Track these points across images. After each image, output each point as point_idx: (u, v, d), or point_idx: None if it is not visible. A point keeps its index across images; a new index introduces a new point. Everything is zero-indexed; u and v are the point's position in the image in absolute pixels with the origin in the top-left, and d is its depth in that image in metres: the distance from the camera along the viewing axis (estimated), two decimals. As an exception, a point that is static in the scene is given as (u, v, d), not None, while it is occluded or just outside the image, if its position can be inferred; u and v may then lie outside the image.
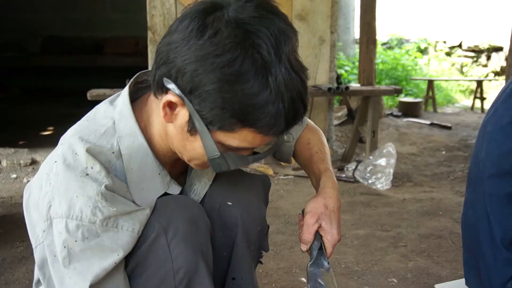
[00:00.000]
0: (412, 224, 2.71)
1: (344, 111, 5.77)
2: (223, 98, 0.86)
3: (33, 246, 1.03)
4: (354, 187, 3.47)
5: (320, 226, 1.15)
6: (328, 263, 1.17)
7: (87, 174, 0.94)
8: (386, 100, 7.79)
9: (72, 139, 0.99)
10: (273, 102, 0.86)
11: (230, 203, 1.17)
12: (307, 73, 0.93)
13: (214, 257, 1.14)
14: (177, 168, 1.12)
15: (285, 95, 0.87)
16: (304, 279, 2.05)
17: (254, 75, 0.85)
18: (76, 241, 0.91)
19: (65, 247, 0.91)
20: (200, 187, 1.17)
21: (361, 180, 3.54)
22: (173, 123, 0.95)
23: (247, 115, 0.87)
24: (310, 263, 1.17)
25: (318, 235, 1.16)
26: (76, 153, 0.96)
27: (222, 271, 1.19)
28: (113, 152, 0.99)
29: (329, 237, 1.15)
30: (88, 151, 0.96)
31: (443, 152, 4.76)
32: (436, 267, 2.16)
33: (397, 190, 3.44)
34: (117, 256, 0.92)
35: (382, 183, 3.43)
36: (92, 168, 0.94)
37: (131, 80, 1.07)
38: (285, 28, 0.89)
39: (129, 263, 0.98)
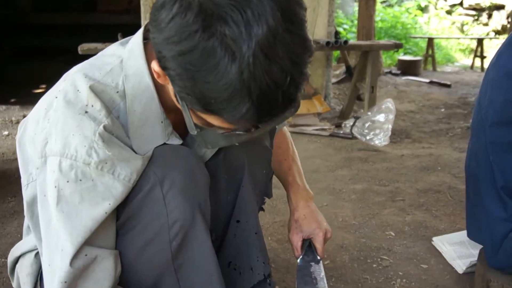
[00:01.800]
0: (410, 179, 2.67)
1: (342, 69, 5.67)
2: (184, 86, 0.77)
3: (24, 184, 0.96)
4: (351, 143, 3.42)
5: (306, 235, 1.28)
6: (318, 257, 1.27)
7: (86, 112, 0.87)
8: (385, 59, 7.68)
9: (76, 76, 0.92)
10: (239, 97, 0.73)
11: (236, 144, 1.12)
12: (306, 48, 0.76)
13: (219, 200, 1.10)
14: (181, 126, 1.06)
15: (254, 89, 0.73)
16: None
17: (215, 67, 0.72)
18: (68, 181, 0.85)
19: (55, 187, 0.85)
20: None
21: (359, 137, 3.49)
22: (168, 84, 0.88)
23: (211, 106, 0.77)
24: (300, 257, 1.28)
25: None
26: (78, 90, 0.90)
27: (227, 214, 1.15)
28: (117, 92, 0.92)
29: (316, 238, 1.27)
30: (91, 88, 0.89)
31: (442, 110, 4.70)
32: (434, 220, 2.13)
33: (395, 146, 3.39)
34: (108, 205, 0.87)
35: (380, 139, 3.38)
36: (92, 106, 0.88)
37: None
38: (265, 9, 0.71)
39: (121, 215, 0.92)
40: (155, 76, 0.85)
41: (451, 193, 2.45)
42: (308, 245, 1.29)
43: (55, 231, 0.87)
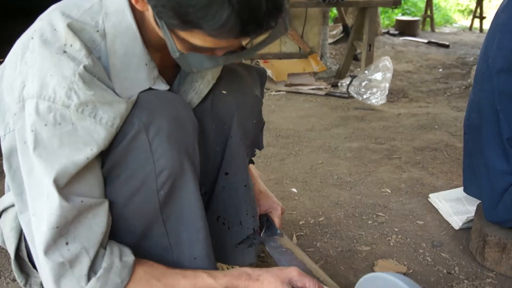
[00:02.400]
0: (407, 137, 2.63)
1: (339, 29, 5.55)
2: None
3: (1, 135, 0.90)
4: (348, 102, 3.36)
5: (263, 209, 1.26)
6: (279, 230, 1.26)
7: (64, 52, 0.81)
8: (383, 19, 7.54)
9: (52, 14, 0.86)
10: (218, 1, 0.68)
11: (224, 92, 1.05)
12: None
13: (207, 152, 1.04)
14: (168, 71, 0.99)
15: None
16: (294, 189, 1.99)
17: None
18: (46, 125, 0.79)
19: (32, 131, 0.79)
20: (202, 85, 1.04)
21: (355, 96, 3.42)
22: (148, 11, 0.81)
23: (188, 16, 0.71)
24: (262, 233, 1.26)
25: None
26: (55, 29, 0.83)
27: (215, 167, 1.10)
28: (97, 31, 0.85)
29: (275, 212, 1.27)
30: (69, 26, 0.83)
31: (440, 70, 4.63)
32: (430, 177, 2.10)
33: (392, 105, 3.34)
34: (90, 151, 0.81)
35: (377, 98, 3.32)
36: (71, 45, 0.81)
37: None
38: None
39: (105, 163, 0.86)
40: (133, 1, 0.80)
41: (448, 151, 2.41)
42: (266, 220, 1.29)
43: (37, 178, 0.82)
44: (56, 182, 0.79)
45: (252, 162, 1.27)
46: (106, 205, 0.86)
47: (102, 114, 0.81)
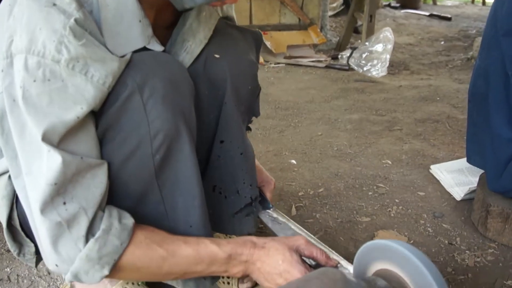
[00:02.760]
0: (408, 109, 2.59)
1: (339, 1, 5.46)
2: None
3: None
4: (348, 74, 3.31)
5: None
6: (271, 205, 1.22)
7: (54, 4, 0.75)
8: (384, -8, 7.41)
9: None
10: None
11: (217, 56, 1.01)
12: None
13: (201, 119, 1.00)
14: (161, 32, 0.94)
15: None
16: (293, 161, 1.96)
17: None
18: (34, 81, 0.74)
19: (21, 87, 0.75)
20: (194, 45, 0.99)
21: (355, 68, 3.37)
22: None
23: None
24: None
25: None
26: None
27: (210, 136, 1.05)
28: None
29: (268, 186, 1.24)
30: None
31: (442, 42, 4.57)
32: (432, 149, 2.07)
33: (393, 77, 3.29)
34: (80, 109, 0.76)
35: (377, 70, 3.27)
36: None
37: None
38: None
39: (99, 125, 0.82)
40: None
41: (450, 122, 2.38)
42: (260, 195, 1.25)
43: (30, 136, 0.78)
44: (46, 140, 0.75)
45: (249, 129, 1.22)
46: (105, 166, 0.82)
47: (93, 72, 0.77)
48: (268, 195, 1.23)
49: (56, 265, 0.82)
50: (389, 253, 0.76)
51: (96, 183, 0.81)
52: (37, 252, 1.05)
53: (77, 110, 0.76)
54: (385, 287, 0.73)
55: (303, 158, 1.98)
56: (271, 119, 2.42)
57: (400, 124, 2.37)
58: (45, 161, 0.76)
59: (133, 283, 1.10)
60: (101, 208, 0.82)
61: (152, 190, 0.88)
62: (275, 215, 1.19)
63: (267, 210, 1.21)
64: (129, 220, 0.85)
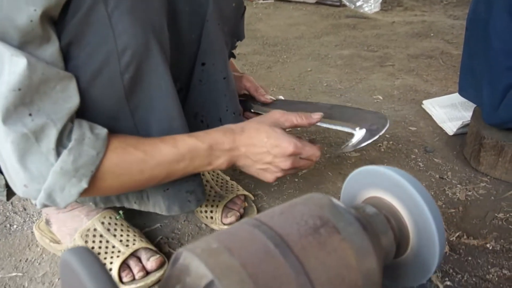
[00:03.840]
0: (401, 45, 2.50)
1: None
2: None
3: None
4: (339, 10, 3.18)
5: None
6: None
7: None
8: None
9: None
10: None
11: None
12: None
13: (181, 40, 0.91)
14: None
15: None
16: (281, 97, 1.88)
17: None
18: None
19: None
20: None
21: (347, 3, 3.24)
22: None
23: None
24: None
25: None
26: None
27: (191, 58, 0.96)
28: None
29: (248, 85, 1.17)
30: None
31: (437, -21, 4.40)
32: (424, 84, 2.00)
33: (386, 14, 3.17)
34: (33, 11, 0.67)
35: (370, 6, 3.14)
36: None
37: None
38: None
39: (62, 39, 0.73)
40: None
41: (444, 58, 2.30)
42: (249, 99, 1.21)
43: None
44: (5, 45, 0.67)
45: (233, 56, 1.14)
46: (74, 81, 0.74)
47: None
48: (254, 94, 1.18)
49: (25, 186, 0.75)
50: (379, 180, 0.71)
51: (65, 97, 0.72)
52: (8, 184, 0.98)
53: (29, 11, 0.66)
54: (375, 214, 0.68)
55: (292, 94, 1.91)
56: (258, 55, 2.32)
57: (392, 60, 2.29)
58: (7, 66, 0.68)
59: (110, 217, 1.05)
60: (70, 120, 0.75)
61: (124, 115, 0.81)
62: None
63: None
64: (101, 130, 0.77)
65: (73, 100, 0.73)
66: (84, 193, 0.78)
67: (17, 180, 0.75)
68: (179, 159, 0.84)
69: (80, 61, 0.74)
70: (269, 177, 0.95)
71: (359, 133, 0.94)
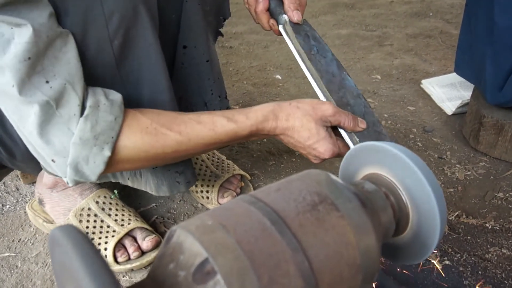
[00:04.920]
0: (400, 24, 2.46)
1: None
2: None
3: None
4: (337, -10, 3.13)
5: None
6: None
7: None
8: None
9: None
10: None
11: None
12: None
13: (161, 20, 0.88)
14: None
15: None
16: (278, 76, 1.86)
17: None
18: None
19: None
20: None
21: (345, -17, 3.19)
22: None
23: None
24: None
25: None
26: None
27: (172, 41, 0.93)
28: None
29: None
30: None
31: (436, -42, 4.33)
32: (423, 64, 1.97)
33: (385, -7, 3.12)
34: None
35: (368, -15, 3.09)
36: None
37: None
38: None
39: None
40: None
41: (443, 38, 2.27)
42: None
43: None
44: None
45: (221, 34, 1.10)
46: (72, 37, 0.70)
47: None
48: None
49: (53, 161, 0.72)
50: (379, 156, 0.69)
51: (75, 56, 0.69)
52: (0, 165, 0.96)
53: None
54: (374, 190, 0.66)
55: (289, 74, 1.88)
56: (254, 34, 2.28)
57: (391, 39, 2.26)
58: (11, 36, 0.65)
59: (105, 196, 1.03)
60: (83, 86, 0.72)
61: (115, 84, 0.78)
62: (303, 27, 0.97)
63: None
64: (116, 95, 0.75)
65: (79, 59, 0.71)
66: (112, 166, 0.75)
67: (46, 156, 0.73)
68: (216, 142, 0.81)
69: (67, 28, 0.71)
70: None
71: None
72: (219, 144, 0.83)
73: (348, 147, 0.88)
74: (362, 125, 0.86)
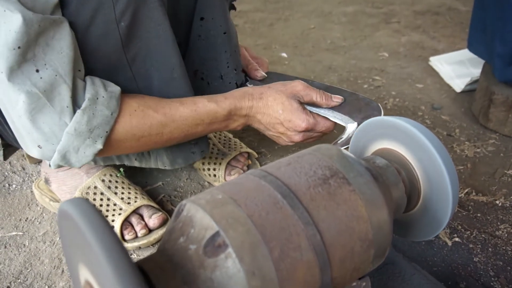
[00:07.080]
0: (407, 1, 2.42)
1: None
2: None
3: None
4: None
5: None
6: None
7: None
8: None
9: None
10: None
11: None
12: None
13: None
14: None
15: None
16: (284, 54, 1.83)
17: None
18: None
19: None
20: None
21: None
22: None
23: None
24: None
25: None
26: None
27: (189, 13, 0.92)
28: None
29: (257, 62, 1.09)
30: None
31: None
32: (431, 41, 1.94)
33: (391, -30, 3.07)
34: None
35: (375, -38, 3.04)
36: None
37: None
38: None
39: None
40: None
41: (451, 14, 2.23)
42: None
43: None
44: None
45: (234, 8, 1.08)
46: (67, 24, 0.69)
47: None
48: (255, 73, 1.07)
49: (39, 146, 0.72)
50: (390, 130, 0.67)
51: (67, 45, 0.68)
52: (5, 144, 0.96)
53: None
54: (385, 165, 0.65)
55: (295, 52, 1.86)
56: (260, 12, 2.25)
57: (398, 16, 2.22)
58: (2, 24, 0.64)
59: (111, 175, 1.03)
60: (79, 77, 0.72)
61: (122, 67, 0.77)
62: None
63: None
64: (114, 88, 0.75)
65: (72, 47, 0.69)
66: (100, 153, 0.77)
67: (30, 141, 0.72)
68: (198, 123, 0.84)
69: (73, 9, 0.70)
70: (281, 142, 0.96)
71: (350, 127, 0.91)
72: (202, 126, 0.85)
73: (329, 121, 0.92)
74: (336, 99, 0.92)
